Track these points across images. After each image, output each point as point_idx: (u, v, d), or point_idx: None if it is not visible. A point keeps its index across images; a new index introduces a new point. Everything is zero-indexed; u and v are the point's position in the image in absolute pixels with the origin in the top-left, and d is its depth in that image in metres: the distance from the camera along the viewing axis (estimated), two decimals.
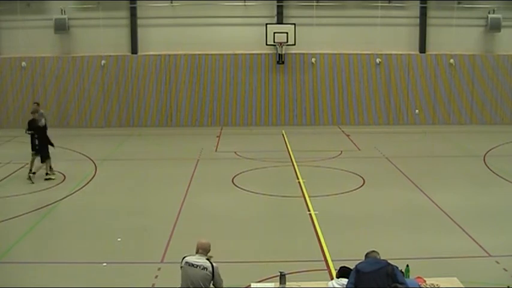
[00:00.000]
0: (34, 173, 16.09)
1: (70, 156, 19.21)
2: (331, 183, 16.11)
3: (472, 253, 10.58)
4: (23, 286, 9.34)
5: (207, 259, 7.23)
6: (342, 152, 20.00)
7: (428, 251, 10.65)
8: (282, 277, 7.47)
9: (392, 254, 8.62)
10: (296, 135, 23.41)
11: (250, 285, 8.13)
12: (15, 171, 17.36)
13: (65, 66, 25.55)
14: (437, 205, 13.57)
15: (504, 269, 9.73)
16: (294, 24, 24.87)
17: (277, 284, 7.55)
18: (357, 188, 15.35)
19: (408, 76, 25.77)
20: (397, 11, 25.60)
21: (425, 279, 7.54)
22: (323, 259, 10.33)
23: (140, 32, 25.58)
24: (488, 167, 17.57)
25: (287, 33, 24.70)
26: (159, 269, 9.97)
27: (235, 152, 19.98)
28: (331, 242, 11.13)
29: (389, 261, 7.07)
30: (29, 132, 16.52)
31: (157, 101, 25.76)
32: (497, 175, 16.58)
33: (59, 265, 10.31)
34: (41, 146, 16.31)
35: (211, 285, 7.21)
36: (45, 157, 16.30)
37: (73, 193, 15.09)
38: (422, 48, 25.67)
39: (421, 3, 25.47)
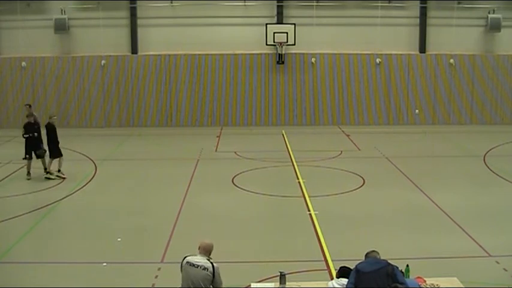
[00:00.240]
0: (48, 172, 16.38)
1: (70, 156, 19.16)
2: (331, 183, 16.11)
3: (472, 253, 10.57)
4: (23, 286, 9.34)
5: (208, 259, 7.22)
6: (342, 152, 20.00)
7: (428, 251, 10.64)
8: (282, 277, 7.47)
9: (392, 254, 8.61)
10: (296, 135, 23.40)
11: (250, 285, 8.13)
12: (15, 171, 17.37)
13: (65, 66, 25.55)
14: (437, 205, 13.57)
15: (504, 269, 9.73)
16: (294, 24, 24.87)
17: (277, 284, 7.55)
18: (357, 188, 15.34)
19: (408, 76, 25.77)
20: (397, 11, 25.59)
21: (425, 279, 7.54)
22: (323, 259, 10.32)
23: (140, 32, 25.58)
24: (488, 167, 17.56)
25: (287, 33, 24.70)
26: (159, 269, 9.97)
27: (235, 152, 19.97)
28: (331, 242, 11.12)
29: (389, 261, 7.06)
30: (26, 135, 16.45)
31: (157, 101, 25.76)
32: (497, 175, 16.58)
33: (59, 265, 10.30)
34: (52, 145, 16.46)
35: (211, 286, 7.20)
36: (57, 155, 16.50)
37: (73, 193, 15.09)
38: (422, 48, 25.67)
39: (421, 3, 25.47)
